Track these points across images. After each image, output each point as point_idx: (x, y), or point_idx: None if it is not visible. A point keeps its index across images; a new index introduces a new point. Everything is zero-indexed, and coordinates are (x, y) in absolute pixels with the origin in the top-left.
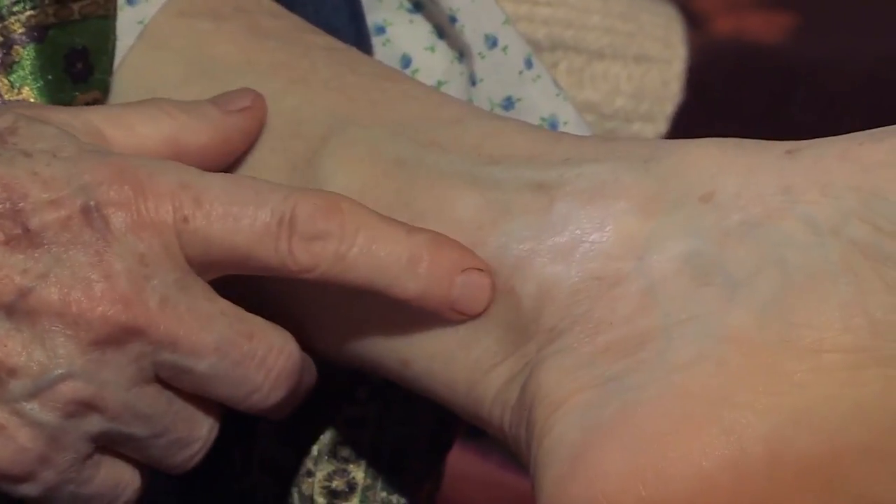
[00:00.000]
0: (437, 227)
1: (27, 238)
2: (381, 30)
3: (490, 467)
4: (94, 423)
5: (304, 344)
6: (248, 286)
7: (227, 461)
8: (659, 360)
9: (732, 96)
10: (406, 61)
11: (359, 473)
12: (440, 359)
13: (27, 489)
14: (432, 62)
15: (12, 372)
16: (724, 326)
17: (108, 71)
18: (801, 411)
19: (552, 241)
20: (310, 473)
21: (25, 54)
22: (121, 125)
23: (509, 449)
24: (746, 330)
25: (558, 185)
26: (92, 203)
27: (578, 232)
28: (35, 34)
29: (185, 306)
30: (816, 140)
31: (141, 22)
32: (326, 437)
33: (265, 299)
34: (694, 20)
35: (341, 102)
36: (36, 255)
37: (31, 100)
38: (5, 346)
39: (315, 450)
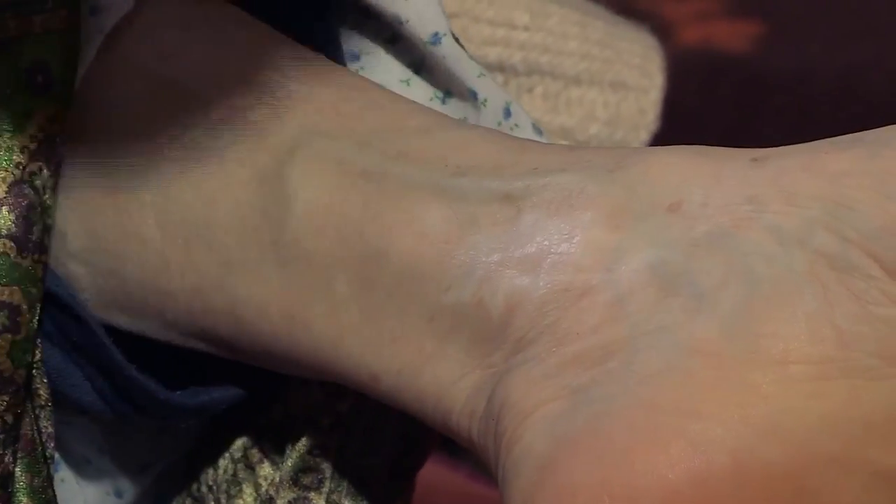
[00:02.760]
0: (406, 240)
1: None
2: (355, 57)
3: (459, 478)
4: None
5: (274, 361)
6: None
7: (194, 481)
8: (626, 371)
9: (701, 105)
10: None
11: (320, 501)
12: (408, 372)
13: None
14: (408, 95)
15: None
16: (691, 338)
17: (70, 84)
18: (768, 423)
19: (520, 252)
20: (271, 500)
21: None
22: None
23: (479, 459)
24: (713, 341)
25: (525, 196)
26: None
27: (546, 243)
28: None
29: None
30: (782, 148)
31: (102, 32)
32: (288, 465)
33: (240, 317)
34: (662, 30)
35: (308, 113)
36: None
37: None
38: None
39: (277, 477)
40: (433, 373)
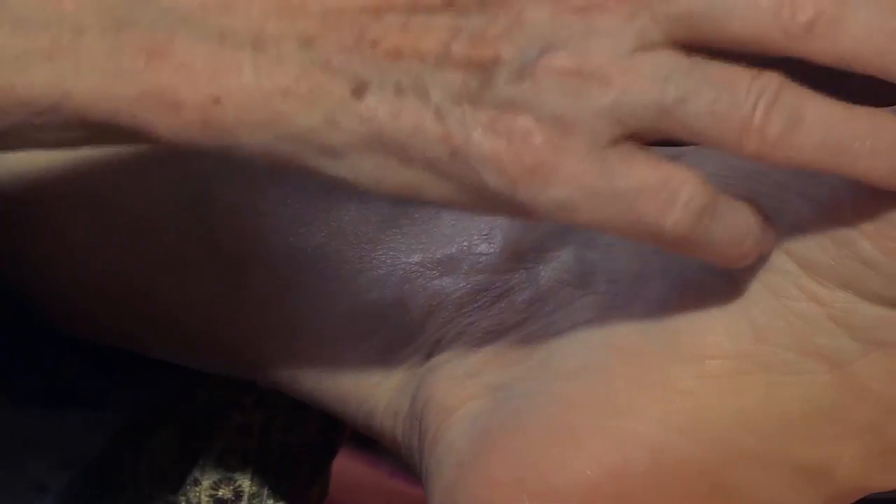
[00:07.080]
0: (324, 239)
1: None
2: None
3: (380, 475)
4: (598, 97)
5: (193, 361)
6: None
7: (115, 472)
8: (545, 368)
9: None
10: None
11: (245, 481)
12: (328, 375)
13: (555, 193)
14: None
15: (495, 60)
16: (608, 335)
17: None
18: (686, 419)
19: (440, 253)
20: (196, 482)
21: None
22: None
23: (402, 459)
24: (630, 338)
25: None
26: None
27: (466, 244)
28: None
29: None
30: (696, 147)
31: None
32: (213, 446)
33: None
34: None
35: None
36: None
37: None
38: (483, 37)
39: (202, 459)
40: (354, 374)
